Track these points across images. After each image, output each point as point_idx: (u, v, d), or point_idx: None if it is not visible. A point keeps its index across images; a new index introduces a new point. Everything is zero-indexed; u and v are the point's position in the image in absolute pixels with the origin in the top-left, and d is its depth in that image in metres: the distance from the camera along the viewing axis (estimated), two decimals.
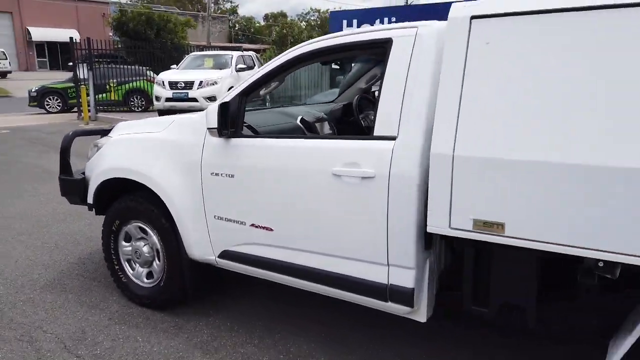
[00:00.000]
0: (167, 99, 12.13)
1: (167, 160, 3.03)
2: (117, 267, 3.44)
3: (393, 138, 2.27)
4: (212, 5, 72.90)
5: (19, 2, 37.10)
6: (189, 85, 11.97)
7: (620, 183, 1.72)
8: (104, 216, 3.46)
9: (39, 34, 37.55)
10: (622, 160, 1.72)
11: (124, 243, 3.39)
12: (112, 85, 15.56)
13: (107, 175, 3.30)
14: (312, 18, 62.68)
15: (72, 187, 3.63)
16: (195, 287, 3.21)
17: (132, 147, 3.26)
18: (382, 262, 2.36)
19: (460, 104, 2.02)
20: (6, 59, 30.88)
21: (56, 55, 39.15)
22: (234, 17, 59.34)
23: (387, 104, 2.31)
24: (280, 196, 2.62)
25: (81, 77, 14.58)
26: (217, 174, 2.82)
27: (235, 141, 2.77)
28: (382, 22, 10.04)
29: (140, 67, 16.58)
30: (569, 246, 1.85)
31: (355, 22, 10.91)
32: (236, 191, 2.78)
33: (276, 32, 51.45)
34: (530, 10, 1.91)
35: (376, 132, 2.34)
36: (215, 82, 11.89)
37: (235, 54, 14.25)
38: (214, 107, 2.65)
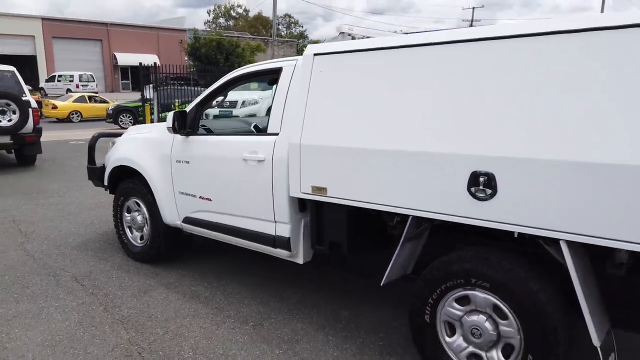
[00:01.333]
0: (215, 116, 13.68)
1: (151, 152, 4.27)
2: (121, 231, 4.71)
3: (277, 134, 3.34)
4: (284, 30, 76.45)
5: (108, 31, 41.31)
6: (233, 104, 13.46)
7: (384, 160, 2.70)
8: (114, 194, 4.76)
9: (124, 59, 41.43)
10: (389, 145, 2.69)
11: (126, 214, 4.66)
12: (176, 104, 17.54)
13: (115, 163, 4.60)
14: None
15: (94, 173, 4.99)
16: (167, 247, 4.39)
17: (131, 144, 4.53)
18: (271, 219, 3.42)
19: (305, 110, 3.08)
20: (94, 81, 34.44)
21: (138, 77, 42.85)
22: (302, 42, 62.03)
23: (276, 111, 3.40)
24: (214, 175, 3.76)
25: (149, 97, 16.63)
26: (179, 161, 4.02)
27: (191, 138, 3.95)
28: None
29: (201, 89, 18.56)
30: (363, 202, 2.84)
31: None
32: (190, 173, 3.95)
33: None
34: (343, 50, 2.95)
35: (269, 130, 3.42)
36: (256, 102, 13.32)
37: None
38: (171, 113, 3.84)
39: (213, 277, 4.23)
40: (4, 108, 8.87)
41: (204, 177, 3.85)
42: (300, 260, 3.44)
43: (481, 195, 2.36)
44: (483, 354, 2.55)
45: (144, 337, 3.24)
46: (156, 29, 43.98)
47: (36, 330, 3.32)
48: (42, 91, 33.70)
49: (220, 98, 4.10)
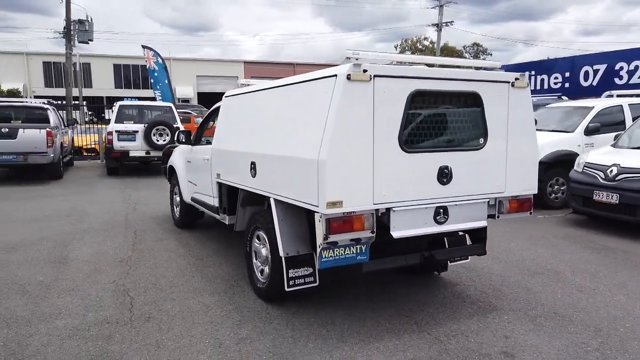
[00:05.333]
0: None
1: (180, 157, 6.91)
2: (171, 208, 7.43)
3: (211, 143, 5.62)
4: (472, 59, 76.09)
5: (294, 70, 47.56)
6: None
7: (230, 156, 4.79)
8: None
9: None
10: (232, 148, 4.79)
11: (174, 196, 7.36)
12: None
13: (168, 164, 7.36)
14: None
15: (164, 171, 7.85)
16: (186, 218, 6.94)
17: (176, 152, 7.25)
18: (213, 195, 5.69)
19: (220, 128, 5.33)
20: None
21: None
22: None
23: (213, 132, 5.68)
24: (197, 170, 6.18)
25: None
26: (188, 161, 6.56)
27: (194, 147, 6.46)
28: None
29: None
30: (228, 182, 4.96)
31: None
32: (191, 169, 6.45)
33: None
34: (234, 94, 5.13)
35: (212, 142, 5.72)
36: None
37: None
38: (178, 132, 6.39)
39: (202, 235, 6.64)
40: (162, 132, 12.66)
41: (195, 170, 6.31)
42: (226, 221, 5.62)
43: (252, 174, 4.34)
44: (263, 267, 4.44)
45: (139, 255, 5.79)
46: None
47: (94, 247, 6.12)
48: None
49: (211, 123, 6.57)
